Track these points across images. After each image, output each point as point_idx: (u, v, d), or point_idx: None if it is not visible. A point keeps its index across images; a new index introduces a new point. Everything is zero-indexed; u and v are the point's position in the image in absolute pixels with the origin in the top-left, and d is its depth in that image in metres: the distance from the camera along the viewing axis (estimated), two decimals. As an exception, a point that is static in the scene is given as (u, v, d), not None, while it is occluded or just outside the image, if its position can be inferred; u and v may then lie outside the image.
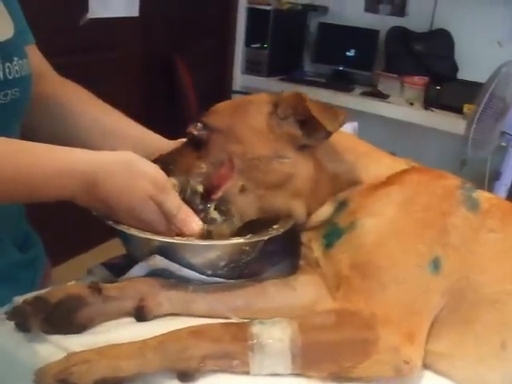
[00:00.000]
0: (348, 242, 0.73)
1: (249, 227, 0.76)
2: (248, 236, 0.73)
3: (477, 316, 0.67)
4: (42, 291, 0.68)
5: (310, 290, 0.75)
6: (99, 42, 2.52)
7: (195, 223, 0.71)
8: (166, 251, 0.71)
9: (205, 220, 0.73)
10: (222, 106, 0.82)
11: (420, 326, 0.66)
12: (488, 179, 2.35)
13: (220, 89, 3.52)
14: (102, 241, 2.63)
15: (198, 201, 0.75)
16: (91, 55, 2.46)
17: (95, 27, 2.45)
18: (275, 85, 3.38)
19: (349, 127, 1.36)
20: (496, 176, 2.31)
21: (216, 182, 0.75)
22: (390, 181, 0.77)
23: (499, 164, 2.30)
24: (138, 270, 0.72)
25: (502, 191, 2.26)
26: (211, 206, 0.75)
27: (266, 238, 0.74)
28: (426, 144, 3.07)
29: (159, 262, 0.70)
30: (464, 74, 3.11)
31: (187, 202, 0.73)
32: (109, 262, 0.82)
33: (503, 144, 2.30)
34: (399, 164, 0.82)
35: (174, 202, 0.70)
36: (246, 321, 0.66)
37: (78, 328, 0.66)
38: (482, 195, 0.77)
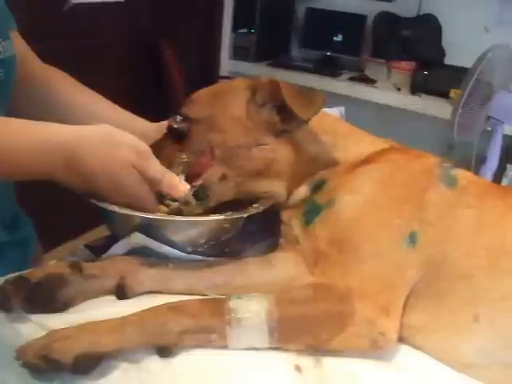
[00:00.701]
0: (326, 219, 0.74)
1: (228, 206, 0.77)
2: (228, 213, 0.74)
3: (451, 290, 0.69)
4: (24, 271, 0.68)
5: (289, 266, 0.76)
6: (84, 27, 2.49)
7: (181, 185, 0.72)
8: (148, 228, 0.71)
9: (180, 203, 0.74)
10: (200, 94, 0.82)
11: (396, 299, 0.68)
12: (474, 163, 2.37)
13: (207, 74, 3.50)
14: (90, 227, 2.63)
15: None
16: (76, 41, 2.43)
17: (79, 12, 2.43)
18: (263, 70, 3.37)
19: (336, 112, 1.37)
20: (482, 160, 2.33)
21: (197, 170, 0.76)
22: (368, 159, 0.78)
23: (485, 148, 2.31)
24: (118, 247, 0.73)
25: (488, 175, 2.28)
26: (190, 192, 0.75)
27: (245, 215, 0.75)
28: (413, 129, 3.07)
29: (139, 239, 0.71)
30: (451, 59, 3.12)
31: None
32: (91, 243, 0.82)
33: (489, 128, 2.32)
34: (379, 143, 0.83)
35: (157, 168, 0.70)
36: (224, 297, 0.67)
37: (60, 307, 0.67)
38: (460, 173, 0.78)
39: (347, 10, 3.35)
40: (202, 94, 0.82)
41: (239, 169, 0.76)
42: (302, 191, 0.79)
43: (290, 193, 0.80)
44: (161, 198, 0.73)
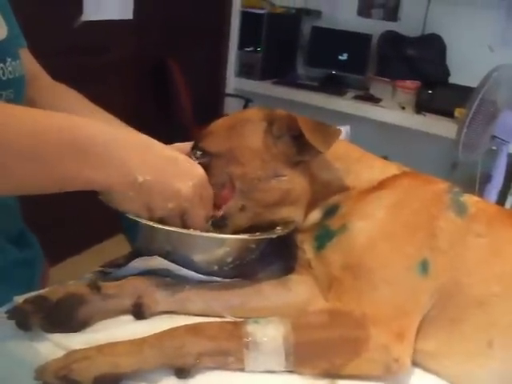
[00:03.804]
0: (339, 244, 0.75)
1: (245, 230, 0.79)
2: (257, 234, 0.76)
3: (464, 316, 0.69)
4: (42, 290, 0.69)
5: (303, 290, 0.77)
6: (93, 44, 2.53)
7: None
8: (177, 242, 0.72)
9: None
10: (217, 127, 0.83)
11: (409, 325, 0.68)
12: (479, 182, 2.37)
13: (213, 92, 3.53)
14: (97, 242, 2.64)
15: None
16: (85, 57, 2.47)
17: (89, 29, 2.47)
18: (268, 88, 3.40)
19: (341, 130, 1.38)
20: (487, 179, 2.33)
21: (218, 202, 0.77)
22: (380, 185, 0.80)
23: (490, 167, 2.32)
24: (134, 267, 0.73)
25: (493, 194, 2.28)
26: (209, 222, 0.77)
27: (274, 236, 0.76)
28: (418, 147, 3.10)
29: (159, 262, 0.72)
30: (455, 78, 3.14)
31: None
32: (110, 263, 0.82)
33: (494, 148, 2.32)
34: (390, 169, 0.84)
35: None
36: (241, 319, 0.68)
37: (78, 326, 0.67)
38: (469, 199, 0.79)
39: (352, 29, 3.39)
40: (219, 126, 0.83)
41: (258, 200, 0.78)
42: (316, 215, 0.81)
43: (304, 217, 0.81)
44: None
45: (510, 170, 2.35)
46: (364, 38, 3.38)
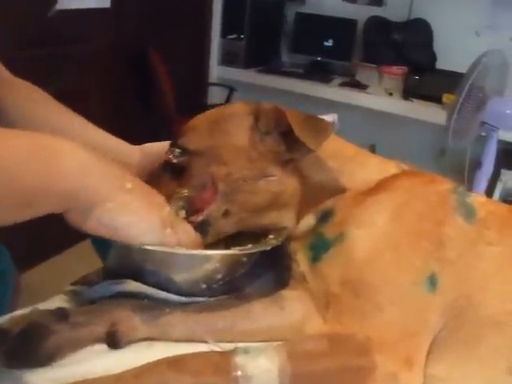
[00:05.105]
0: (337, 256, 0.68)
1: (230, 238, 0.72)
2: (248, 246, 0.68)
3: (480, 338, 0.63)
4: (1, 320, 0.61)
5: (297, 308, 0.70)
6: (69, 34, 2.44)
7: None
8: (160, 261, 0.64)
9: None
10: (198, 123, 0.75)
11: (418, 348, 0.62)
12: (468, 169, 2.35)
13: (196, 81, 3.46)
14: (73, 243, 2.56)
15: None
16: (61, 48, 2.37)
17: (64, 19, 2.37)
18: (252, 76, 3.36)
19: (328, 119, 1.32)
20: (476, 166, 2.30)
21: (199, 206, 0.69)
22: (379, 187, 0.72)
23: (479, 154, 2.29)
24: (109, 287, 0.66)
25: (483, 181, 2.25)
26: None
27: (268, 247, 0.68)
28: (406, 134, 3.08)
29: (135, 285, 0.64)
30: (442, 63, 3.12)
31: None
32: (82, 280, 0.74)
33: (483, 134, 2.29)
34: (388, 168, 0.77)
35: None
36: (228, 349, 0.60)
37: (45, 359, 0.60)
38: (476, 200, 0.72)
39: (337, 14, 3.34)
40: (201, 121, 0.75)
41: (244, 203, 0.70)
42: (309, 221, 0.73)
43: (296, 223, 0.74)
44: None
45: (500, 157, 2.32)
46: (349, 24, 3.32)
